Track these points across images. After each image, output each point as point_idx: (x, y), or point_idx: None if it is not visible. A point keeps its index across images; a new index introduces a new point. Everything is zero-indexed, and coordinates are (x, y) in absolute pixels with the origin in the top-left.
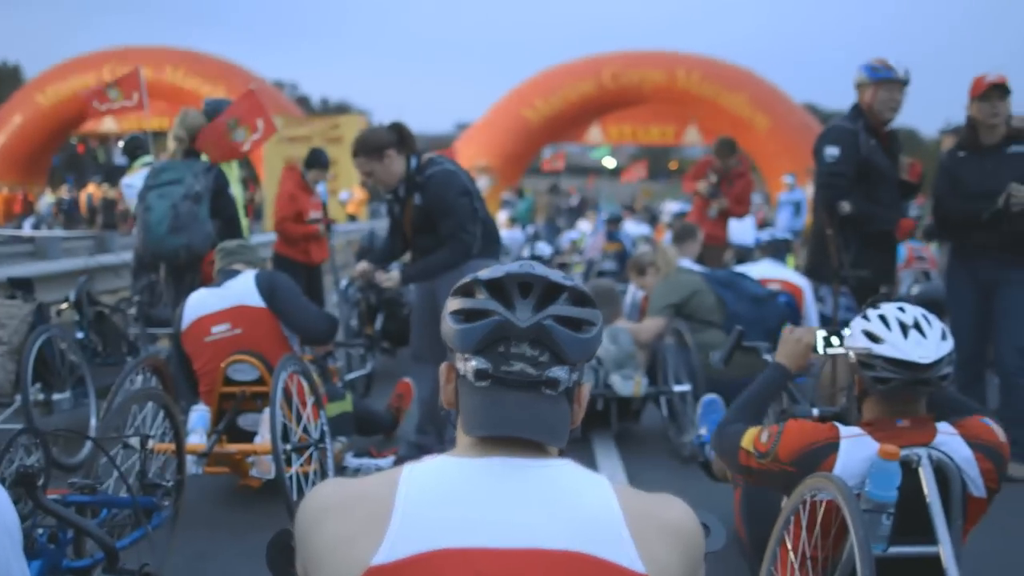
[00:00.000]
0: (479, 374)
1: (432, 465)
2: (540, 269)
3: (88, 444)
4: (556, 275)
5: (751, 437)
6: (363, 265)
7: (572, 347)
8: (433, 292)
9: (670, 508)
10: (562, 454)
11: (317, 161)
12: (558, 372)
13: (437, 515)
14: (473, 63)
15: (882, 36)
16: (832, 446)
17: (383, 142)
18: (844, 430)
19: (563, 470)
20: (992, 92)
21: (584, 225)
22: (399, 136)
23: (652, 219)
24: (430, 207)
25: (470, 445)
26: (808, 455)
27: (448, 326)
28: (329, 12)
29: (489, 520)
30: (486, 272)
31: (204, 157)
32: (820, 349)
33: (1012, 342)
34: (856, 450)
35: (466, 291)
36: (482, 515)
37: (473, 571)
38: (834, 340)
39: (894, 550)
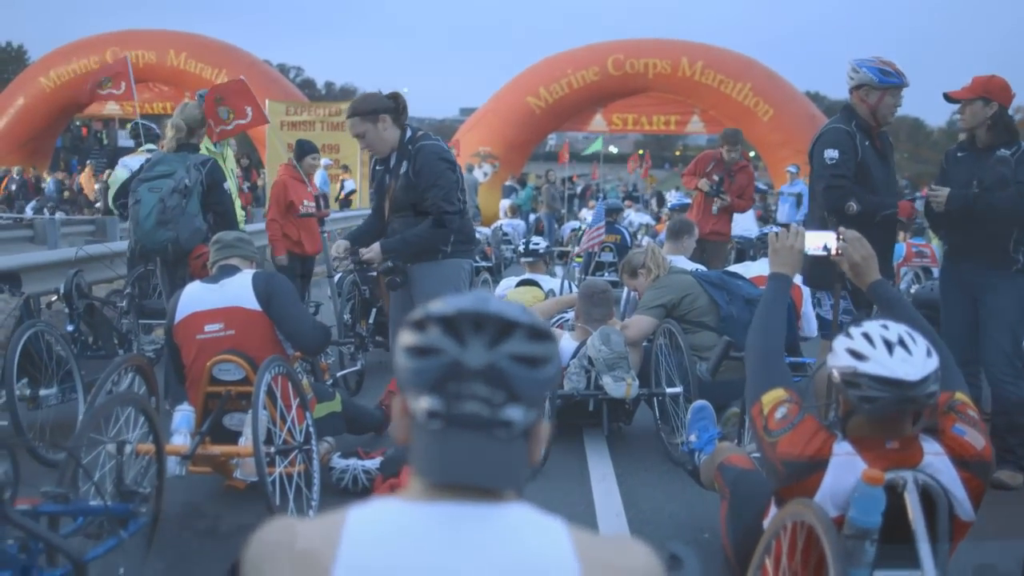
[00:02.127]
0: (430, 415)
1: (378, 512)
2: (494, 305)
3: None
4: (511, 310)
5: (772, 402)
6: (342, 242)
7: (527, 386)
8: (410, 289)
9: (631, 555)
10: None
11: (303, 151)
12: (513, 412)
13: (381, 567)
14: (478, 49)
15: (887, 25)
16: (822, 463)
17: (379, 107)
18: (837, 447)
19: (517, 517)
20: (965, 100)
21: (587, 214)
22: (396, 105)
23: (661, 203)
24: (417, 175)
25: (421, 489)
26: (799, 466)
27: (399, 362)
28: None
29: (435, 572)
30: (439, 307)
31: (205, 147)
32: (810, 252)
33: (998, 347)
34: (844, 471)
35: (418, 326)
36: (429, 567)
37: None
38: (830, 244)
39: (879, 575)
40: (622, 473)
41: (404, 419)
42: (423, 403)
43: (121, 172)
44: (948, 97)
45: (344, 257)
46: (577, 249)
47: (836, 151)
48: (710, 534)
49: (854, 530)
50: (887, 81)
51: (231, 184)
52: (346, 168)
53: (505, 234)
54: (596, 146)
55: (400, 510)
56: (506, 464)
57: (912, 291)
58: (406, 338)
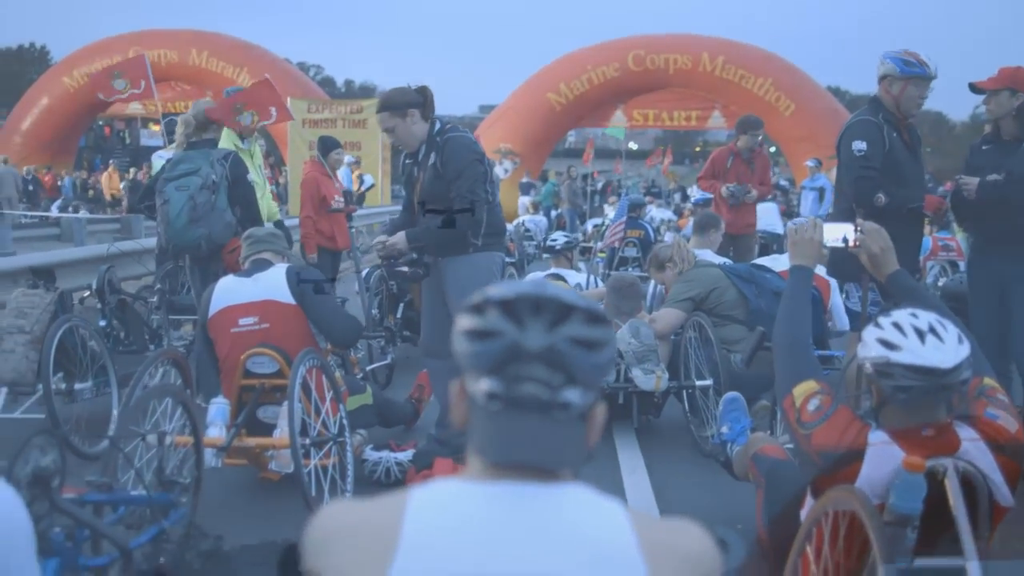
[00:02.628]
0: (490, 396)
1: (440, 491)
2: (552, 289)
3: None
4: (569, 295)
5: (804, 393)
6: (380, 238)
7: (585, 369)
8: (441, 283)
9: (687, 537)
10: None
11: (328, 147)
12: (571, 395)
13: (444, 546)
14: (498, 45)
15: (909, 19)
16: (858, 454)
17: (408, 101)
18: (873, 437)
19: (576, 497)
20: (991, 90)
21: (610, 210)
22: (424, 99)
23: (684, 197)
24: (444, 166)
25: (481, 469)
26: (835, 457)
27: (459, 346)
28: None
29: (496, 551)
30: (498, 290)
31: (227, 140)
32: (829, 243)
33: None
34: (881, 460)
35: (477, 309)
36: (489, 546)
37: None
38: (848, 235)
39: (919, 563)
40: (652, 465)
41: (463, 402)
42: (483, 385)
43: (158, 163)
44: (974, 87)
45: (384, 251)
46: (600, 244)
47: (864, 143)
48: (743, 525)
49: (895, 517)
50: (908, 71)
51: (256, 176)
52: (357, 161)
53: (527, 230)
54: (618, 133)
55: (461, 490)
56: (564, 445)
57: (940, 284)
58: (465, 322)
